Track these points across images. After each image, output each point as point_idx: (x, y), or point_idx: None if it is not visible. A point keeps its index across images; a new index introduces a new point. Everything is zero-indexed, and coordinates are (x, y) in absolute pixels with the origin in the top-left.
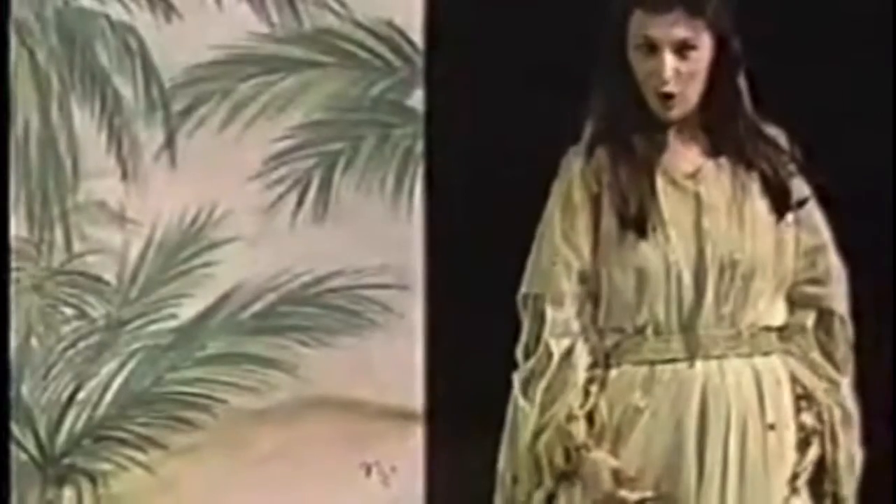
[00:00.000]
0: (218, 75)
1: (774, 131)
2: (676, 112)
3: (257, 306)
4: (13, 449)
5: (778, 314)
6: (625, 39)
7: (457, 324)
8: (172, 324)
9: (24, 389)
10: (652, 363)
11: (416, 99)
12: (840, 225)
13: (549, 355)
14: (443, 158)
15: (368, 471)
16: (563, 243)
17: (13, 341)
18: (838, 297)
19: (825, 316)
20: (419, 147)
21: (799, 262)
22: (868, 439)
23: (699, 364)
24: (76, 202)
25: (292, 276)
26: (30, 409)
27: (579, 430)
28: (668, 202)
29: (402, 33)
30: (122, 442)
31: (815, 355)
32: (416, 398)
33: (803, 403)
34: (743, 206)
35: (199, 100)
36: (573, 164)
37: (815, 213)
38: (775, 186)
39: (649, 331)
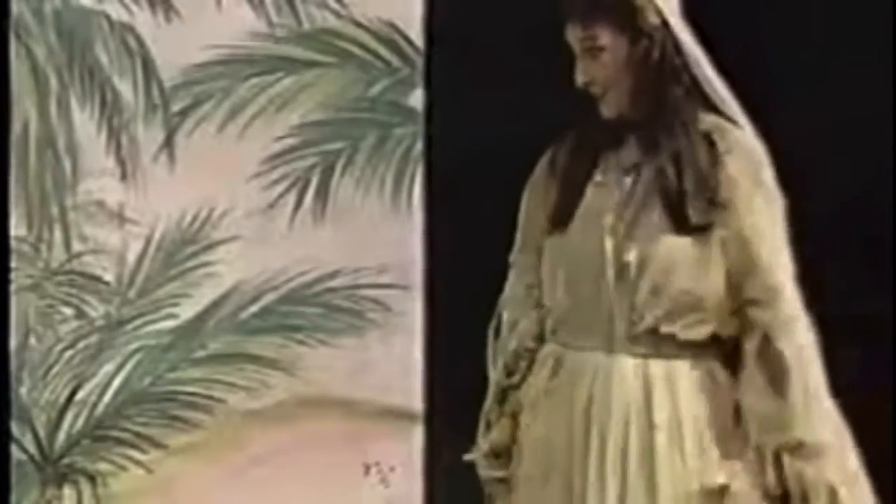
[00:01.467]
0: (217, 75)
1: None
2: (608, 111)
3: (256, 306)
4: (12, 449)
5: (702, 327)
6: None
7: (456, 324)
8: (171, 324)
9: (23, 389)
10: (565, 346)
11: (416, 99)
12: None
13: (499, 326)
14: (442, 158)
15: (368, 471)
16: (523, 225)
17: (12, 341)
18: (782, 323)
19: (766, 341)
20: (418, 147)
21: (731, 280)
22: (869, 439)
23: (597, 355)
24: (75, 202)
25: (292, 275)
26: (28, 409)
27: (510, 399)
28: (595, 196)
29: (401, 33)
30: (122, 442)
31: (746, 374)
32: (416, 398)
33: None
34: (641, 210)
35: (198, 100)
36: (545, 156)
37: (746, 233)
38: (676, 199)
39: (563, 316)
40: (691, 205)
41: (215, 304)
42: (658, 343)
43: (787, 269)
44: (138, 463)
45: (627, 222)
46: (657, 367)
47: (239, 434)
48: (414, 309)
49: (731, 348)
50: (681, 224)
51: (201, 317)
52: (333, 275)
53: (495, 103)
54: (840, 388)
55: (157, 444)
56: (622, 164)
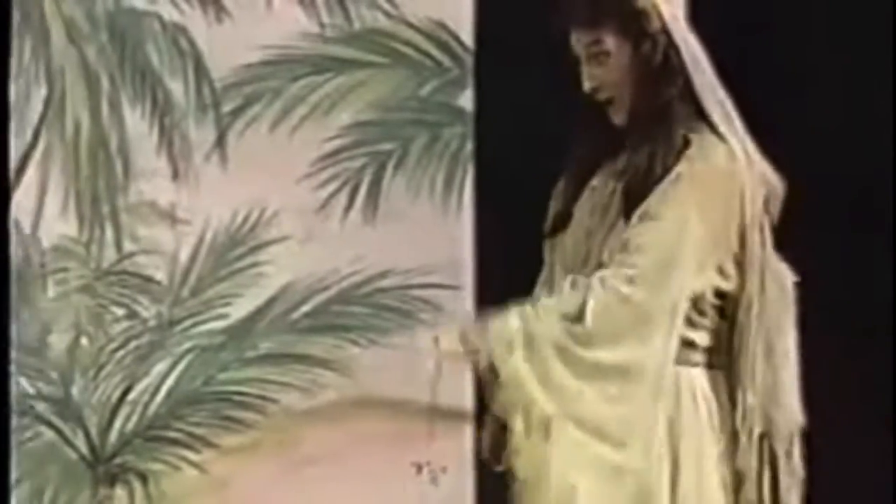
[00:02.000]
0: (268, 75)
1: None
2: (617, 117)
3: (308, 306)
4: (66, 450)
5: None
6: None
7: None
8: (223, 323)
9: (74, 390)
10: None
11: (466, 99)
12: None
13: None
14: (492, 158)
15: (419, 470)
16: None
17: (63, 341)
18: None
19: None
20: (469, 147)
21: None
22: (868, 439)
23: None
24: (127, 202)
25: (342, 275)
26: (80, 409)
27: None
28: (586, 200)
29: (451, 33)
30: (174, 442)
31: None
32: (467, 398)
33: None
34: (619, 214)
35: (249, 100)
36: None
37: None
38: (635, 201)
39: None
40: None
41: (266, 304)
42: None
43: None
44: (191, 463)
45: (608, 225)
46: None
47: (291, 434)
48: (463, 308)
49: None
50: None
51: (253, 317)
52: (384, 275)
53: (545, 103)
54: (840, 386)
55: (210, 444)
56: (616, 169)
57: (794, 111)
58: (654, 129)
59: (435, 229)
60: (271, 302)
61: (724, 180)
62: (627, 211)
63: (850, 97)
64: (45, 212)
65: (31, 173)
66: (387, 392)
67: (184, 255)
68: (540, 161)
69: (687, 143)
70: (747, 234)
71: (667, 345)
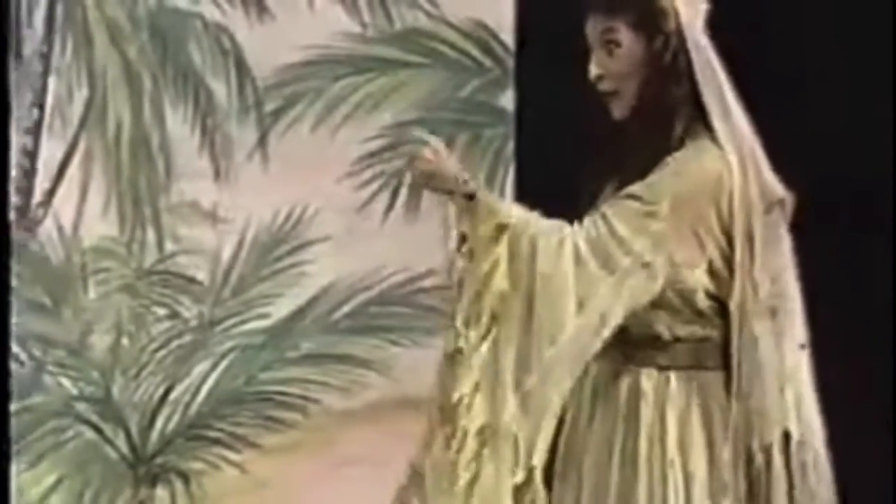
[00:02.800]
0: (310, 75)
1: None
2: (617, 111)
3: (349, 306)
4: (107, 450)
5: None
6: None
7: None
8: (264, 323)
9: (116, 390)
10: None
11: (507, 99)
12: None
13: None
14: (533, 159)
15: None
16: None
17: (105, 342)
18: None
19: None
20: (509, 147)
21: None
22: (868, 440)
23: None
24: (168, 202)
25: (384, 275)
26: (121, 409)
27: None
28: (596, 200)
29: (492, 33)
30: (215, 441)
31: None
32: None
33: None
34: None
35: (291, 100)
36: None
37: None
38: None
39: None
40: None
41: (308, 304)
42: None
43: None
44: (232, 463)
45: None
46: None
47: (331, 434)
48: None
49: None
50: None
51: (294, 317)
52: (425, 275)
53: (586, 103)
54: (840, 386)
55: (251, 444)
56: (617, 167)
57: (794, 112)
58: (654, 128)
59: None
60: (312, 302)
61: (710, 182)
62: None
63: (850, 98)
64: (86, 212)
65: (73, 174)
66: (427, 393)
67: (225, 255)
68: (580, 161)
69: (682, 144)
70: (734, 241)
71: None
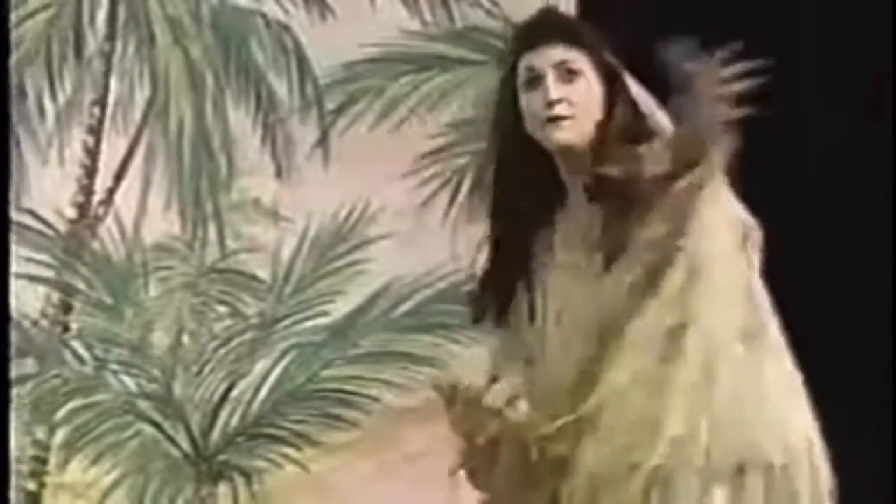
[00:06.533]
0: (371, 73)
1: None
2: (566, 134)
3: (409, 304)
4: (169, 447)
5: None
6: (517, 94)
7: None
8: (325, 321)
9: (177, 387)
10: None
11: None
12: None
13: None
14: None
15: None
16: None
17: (166, 339)
18: None
19: None
20: None
21: None
22: (869, 439)
23: None
24: (230, 200)
25: (444, 273)
26: (182, 407)
27: None
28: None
29: None
30: (277, 439)
31: None
32: None
33: None
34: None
35: (352, 97)
36: None
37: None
38: None
39: None
40: None
41: (368, 302)
42: None
43: None
44: (294, 461)
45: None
46: None
47: (391, 432)
48: None
49: None
50: None
51: (354, 314)
52: None
53: None
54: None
55: (313, 442)
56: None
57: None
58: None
59: None
60: (373, 299)
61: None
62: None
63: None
64: (147, 210)
65: (134, 172)
66: None
67: (286, 253)
68: None
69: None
70: None
71: None
